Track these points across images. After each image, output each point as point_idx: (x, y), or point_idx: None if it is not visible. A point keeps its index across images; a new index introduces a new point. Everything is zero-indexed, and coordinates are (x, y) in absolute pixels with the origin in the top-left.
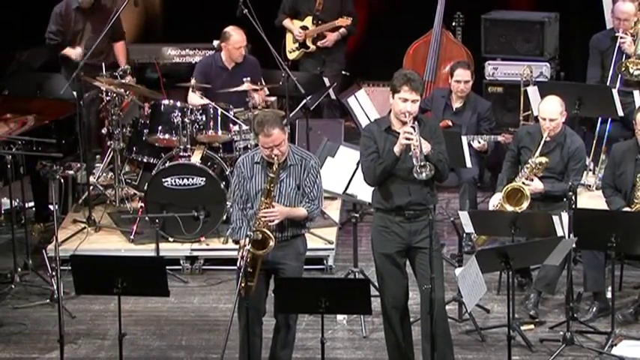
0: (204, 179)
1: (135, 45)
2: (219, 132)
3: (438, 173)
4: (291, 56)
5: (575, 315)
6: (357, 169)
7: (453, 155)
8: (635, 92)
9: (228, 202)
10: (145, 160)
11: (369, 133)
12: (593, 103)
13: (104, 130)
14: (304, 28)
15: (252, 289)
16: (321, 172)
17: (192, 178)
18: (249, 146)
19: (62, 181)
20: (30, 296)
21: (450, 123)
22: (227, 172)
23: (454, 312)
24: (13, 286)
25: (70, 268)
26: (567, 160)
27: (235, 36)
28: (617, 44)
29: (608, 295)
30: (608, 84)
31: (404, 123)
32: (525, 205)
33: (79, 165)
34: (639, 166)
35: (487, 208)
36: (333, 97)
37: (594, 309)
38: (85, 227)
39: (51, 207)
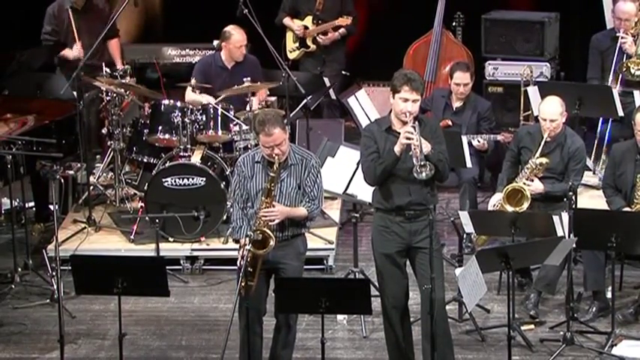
0: (204, 179)
1: (135, 45)
2: (220, 132)
3: (439, 173)
4: (291, 56)
5: (575, 315)
6: (357, 169)
7: (453, 155)
8: (636, 92)
9: (228, 202)
10: (145, 160)
11: (369, 133)
12: (594, 103)
13: (104, 130)
14: (305, 27)
15: (253, 289)
16: (321, 171)
17: (193, 178)
18: (249, 146)
19: (62, 181)
20: (30, 296)
21: (450, 123)
22: (227, 172)
23: (454, 312)
24: (13, 286)
25: (70, 268)
26: (567, 161)
27: (236, 35)
28: (618, 44)
29: (608, 295)
30: (609, 84)
31: (404, 123)
32: (525, 205)
33: (79, 165)
34: (639, 167)
35: (487, 208)
36: (333, 97)
37: (594, 309)
38: (85, 227)
39: (51, 207)
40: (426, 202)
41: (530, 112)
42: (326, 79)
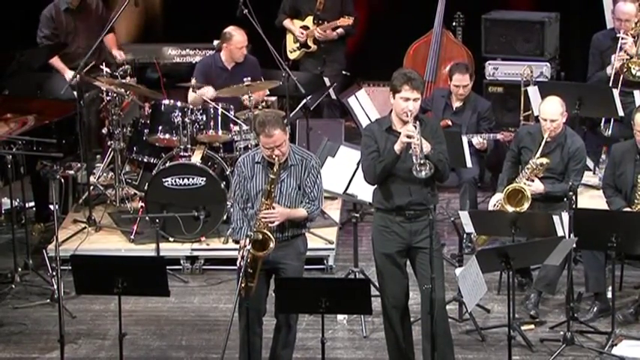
0: (204, 179)
1: (135, 45)
2: (220, 132)
3: (439, 173)
4: (291, 56)
5: (575, 315)
6: (357, 169)
7: (454, 155)
8: (636, 92)
9: (228, 202)
10: (145, 160)
11: (369, 132)
12: (594, 103)
13: (104, 130)
14: (305, 27)
15: (253, 290)
16: (321, 172)
17: (193, 178)
18: (249, 146)
19: (62, 181)
20: (30, 296)
21: (450, 123)
22: (227, 172)
23: (454, 312)
24: (13, 286)
25: (70, 268)
26: (568, 161)
27: (237, 36)
28: (618, 44)
29: (609, 295)
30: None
31: (405, 122)
32: (526, 206)
33: (79, 165)
34: (639, 167)
35: (487, 208)
36: (333, 97)
37: (595, 309)
38: (85, 227)
39: (51, 207)
40: (427, 202)
41: (530, 112)
42: (326, 79)
